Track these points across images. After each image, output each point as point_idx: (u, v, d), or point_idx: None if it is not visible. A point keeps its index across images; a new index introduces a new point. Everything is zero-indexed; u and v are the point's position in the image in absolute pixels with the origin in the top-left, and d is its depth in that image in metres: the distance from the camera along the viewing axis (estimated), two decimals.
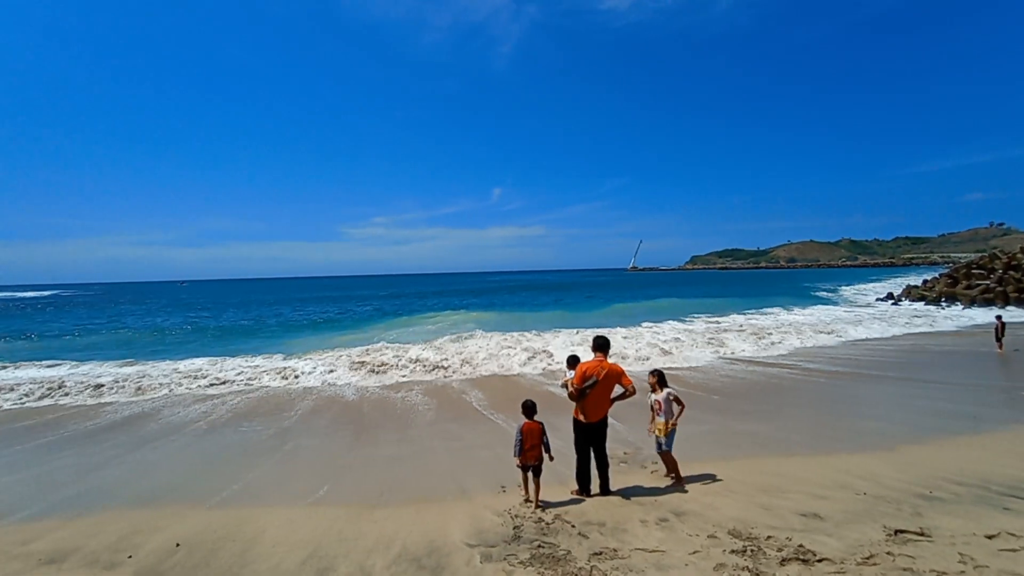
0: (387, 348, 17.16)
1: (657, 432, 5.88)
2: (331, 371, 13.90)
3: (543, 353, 15.63)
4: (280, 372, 13.77)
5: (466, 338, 19.65)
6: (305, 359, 15.50)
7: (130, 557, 4.54)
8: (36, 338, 26.85)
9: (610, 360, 5.63)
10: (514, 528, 4.80)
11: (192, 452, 7.95)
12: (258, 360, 15.86)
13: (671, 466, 5.91)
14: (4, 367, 15.45)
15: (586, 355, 6.19)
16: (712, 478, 5.95)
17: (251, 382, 13.04)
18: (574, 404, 5.56)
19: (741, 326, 22.08)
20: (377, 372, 13.74)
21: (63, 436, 9.01)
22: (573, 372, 5.78)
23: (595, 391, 5.38)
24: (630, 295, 51.07)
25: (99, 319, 39.17)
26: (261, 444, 8.24)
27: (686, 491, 5.60)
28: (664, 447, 5.86)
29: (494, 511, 5.23)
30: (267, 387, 12.53)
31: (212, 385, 12.77)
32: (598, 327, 20.86)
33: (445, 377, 13.34)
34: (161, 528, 5.10)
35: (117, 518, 5.42)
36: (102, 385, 12.55)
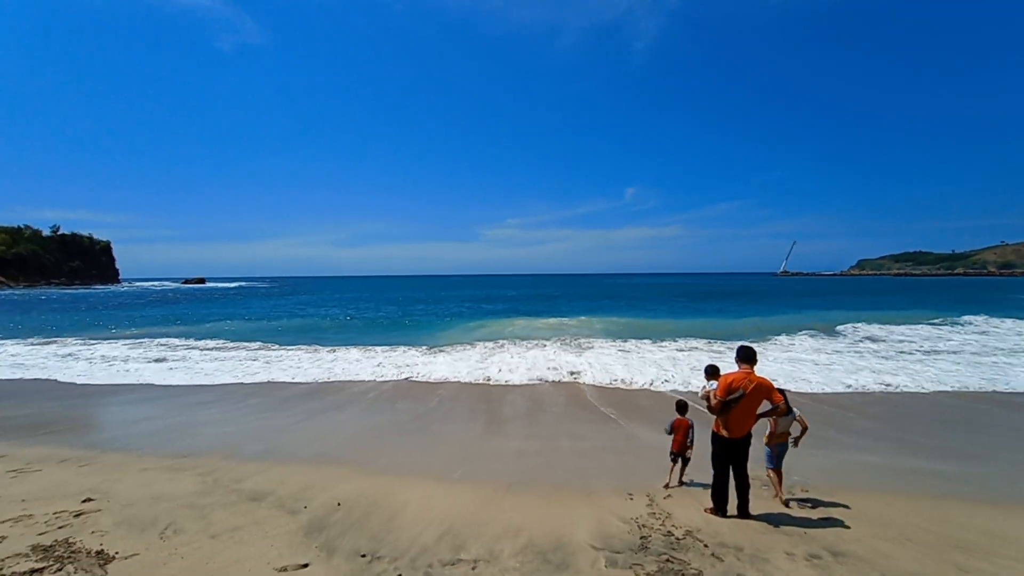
0: (517, 346, 17.82)
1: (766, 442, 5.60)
2: (465, 364, 14.87)
3: (669, 362, 14.83)
4: (425, 363, 15.15)
5: (591, 344, 19.48)
6: (445, 352, 16.82)
7: (305, 507, 5.40)
8: (246, 320, 33.37)
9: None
10: (641, 538, 4.65)
11: (353, 426, 9.18)
12: (409, 350, 17.67)
13: (774, 483, 5.60)
14: (230, 346, 19.43)
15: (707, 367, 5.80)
16: (880, 518, 5.08)
17: (401, 369, 14.54)
18: (714, 417, 5.19)
19: (922, 344, 18.43)
20: (507, 369, 14.31)
21: (263, 402, 11.07)
22: (713, 383, 5.40)
23: (740, 405, 4.95)
24: (776, 305, 45.75)
25: (283, 307, 47.18)
26: (407, 425, 9.17)
27: (847, 527, 4.87)
28: (768, 463, 5.62)
29: (620, 517, 5.12)
30: (414, 375, 13.85)
31: (373, 368, 14.55)
32: (736, 339, 19.13)
33: (573, 379, 13.39)
34: (327, 487, 5.97)
35: (297, 472, 6.49)
36: (290, 366, 15.10)
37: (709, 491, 5.32)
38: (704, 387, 5.66)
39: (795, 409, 5.52)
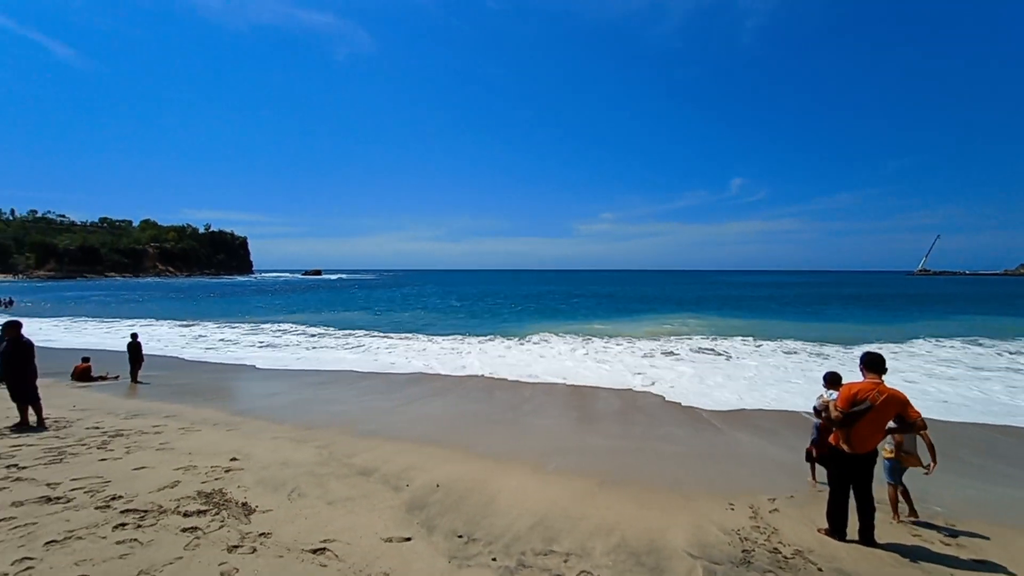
0: (610, 344, 17.49)
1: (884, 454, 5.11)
2: (558, 361, 14.92)
3: (775, 369, 13.60)
4: (519, 357, 15.48)
5: (689, 344, 18.52)
6: (538, 346, 17.02)
7: (407, 486, 5.81)
8: (356, 310, 36.48)
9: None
10: (743, 551, 4.37)
11: (451, 413, 9.67)
12: (504, 343, 18.16)
13: (891, 502, 5.11)
14: (341, 333, 21.41)
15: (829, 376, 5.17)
16: None
17: (496, 361, 14.99)
18: (832, 430, 4.69)
19: None
20: (600, 368, 14.11)
21: (370, 386, 12.07)
22: (833, 393, 4.88)
23: (867, 418, 4.38)
24: (913, 308, 39.83)
25: (389, 297, 50.78)
26: (501, 415, 9.45)
27: (1004, 571, 4.15)
28: (888, 477, 5.12)
29: (720, 527, 4.85)
30: (508, 368, 14.21)
31: (470, 359, 15.19)
32: (861, 345, 17.09)
33: (669, 384, 12.85)
34: (427, 469, 6.37)
35: (400, 452, 7.00)
36: (394, 353, 16.25)
37: (824, 509, 4.83)
38: (821, 396, 5.14)
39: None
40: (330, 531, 4.46)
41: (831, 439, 4.70)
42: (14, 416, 7.82)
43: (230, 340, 20.60)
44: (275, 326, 25.65)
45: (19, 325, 7.96)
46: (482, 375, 13.21)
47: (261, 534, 4.31)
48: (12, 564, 3.56)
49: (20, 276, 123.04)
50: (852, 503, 4.65)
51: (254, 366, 15.08)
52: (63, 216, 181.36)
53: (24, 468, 5.65)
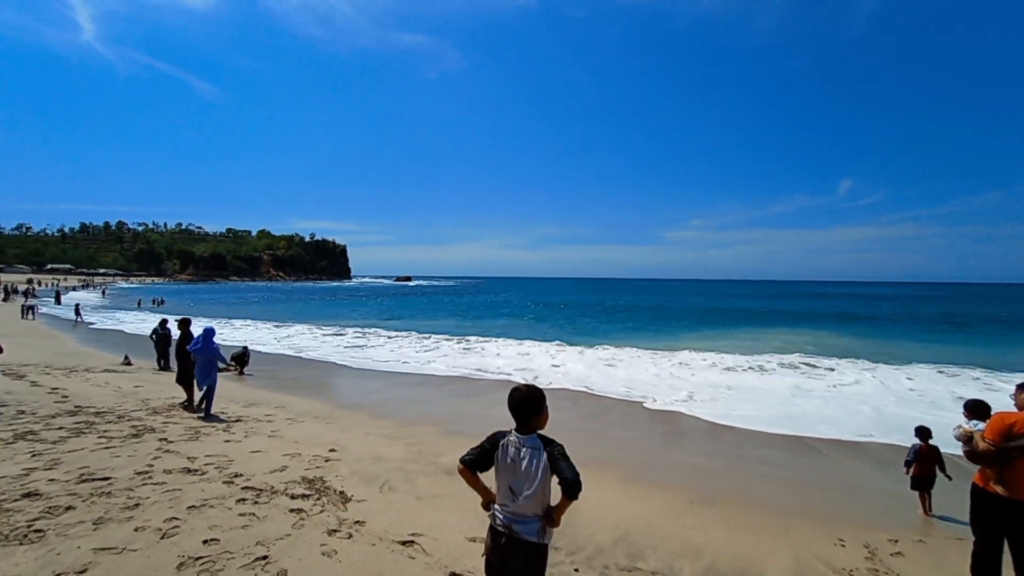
0: (697, 358, 16.59)
1: None
2: (645, 375, 14.42)
3: (904, 397, 12.03)
4: (605, 369, 15.21)
5: (787, 362, 17.02)
6: (623, 360, 16.60)
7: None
8: (443, 316, 38.05)
9: None
10: None
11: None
12: (589, 353, 17.95)
13: None
14: (430, 337, 22.44)
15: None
16: None
17: (583, 371, 14.85)
18: (977, 468, 3.93)
19: None
20: (686, 382, 13.43)
21: (457, 389, 12.51)
22: (978, 423, 4.21)
23: None
24: None
25: (472, 303, 52.34)
26: (584, 424, 9.34)
27: None
28: None
29: (828, 564, 4.39)
30: (593, 378, 14.01)
31: (554, 367, 15.20)
32: (1013, 373, 14.66)
33: (766, 405, 11.89)
34: None
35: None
36: (480, 357, 16.70)
37: (967, 562, 4.16)
38: (960, 427, 4.48)
39: None
40: (418, 525, 4.68)
41: (976, 479, 4.00)
42: (167, 395, 9.13)
43: (330, 340, 22.45)
44: (369, 329, 27.51)
45: (189, 322, 9.48)
46: (564, 387, 13.11)
47: (356, 521, 4.63)
48: (164, 521, 4.15)
49: (167, 279, 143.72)
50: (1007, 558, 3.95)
51: (350, 365, 16.28)
52: (200, 227, 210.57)
53: (171, 443, 6.56)
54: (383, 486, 5.72)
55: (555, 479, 2.41)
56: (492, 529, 2.57)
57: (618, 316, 40.55)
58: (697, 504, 5.71)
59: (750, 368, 15.40)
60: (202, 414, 8.41)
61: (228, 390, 11.18)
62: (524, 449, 2.47)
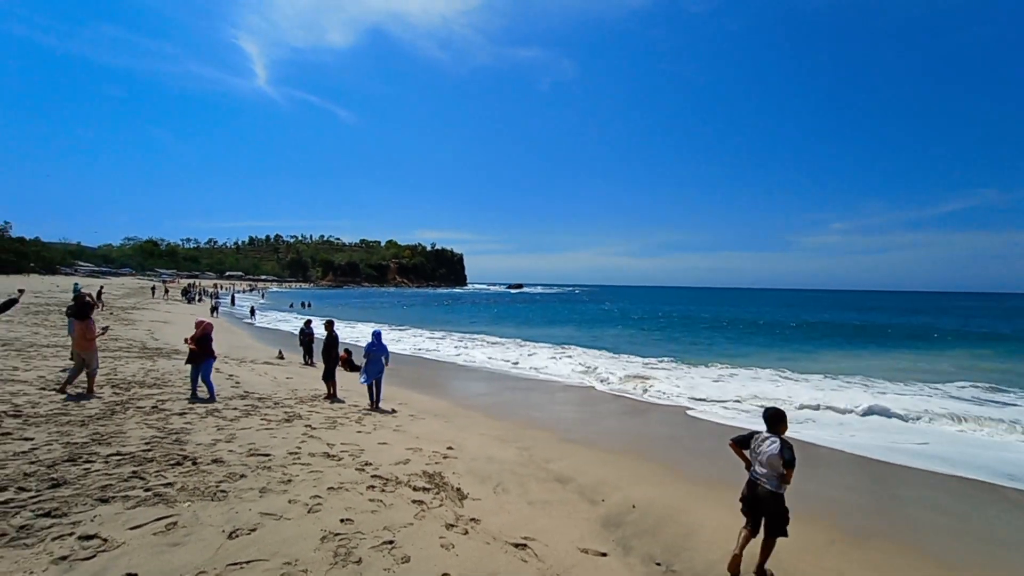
0: (847, 383, 14.59)
1: None
2: (774, 393, 13.08)
3: None
4: (720, 386, 14.08)
5: (978, 396, 14.22)
6: (755, 377, 15.22)
7: (603, 501, 5.80)
8: (559, 324, 38.25)
9: None
10: None
11: (648, 433, 9.34)
12: (712, 369, 16.82)
13: None
14: (546, 346, 22.69)
15: None
16: None
17: (698, 388, 13.94)
18: None
19: None
20: (829, 407, 11.87)
21: (569, 397, 12.49)
22: None
23: None
24: None
25: (591, 312, 51.76)
26: (700, 445, 8.72)
27: None
28: None
29: None
30: (713, 398, 13.08)
31: (670, 382, 14.49)
32: None
33: (937, 440, 10.06)
34: (621, 487, 6.24)
35: (594, 464, 7.03)
36: (594, 368, 16.49)
37: None
38: None
39: None
40: (530, 529, 4.74)
41: None
42: (311, 387, 10.42)
43: (447, 342, 23.83)
44: (482, 334, 28.66)
45: (333, 323, 10.81)
46: (681, 406, 12.37)
47: (472, 519, 4.82)
48: (311, 497, 4.73)
49: (312, 284, 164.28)
50: None
51: (467, 367, 17.10)
52: (338, 238, 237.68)
53: (315, 429, 7.46)
54: (496, 487, 5.89)
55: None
56: (750, 482, 4.30)
57: (745, 330, 37.26)
58: (843, 543, 5.01)
59: (912, 394, 13.16)
60: (340, 401, 9.44)
61: (360, 386, 12.39)
62: (768, 440, 4.26)
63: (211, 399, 8.44)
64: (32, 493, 4.19)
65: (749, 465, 4.35)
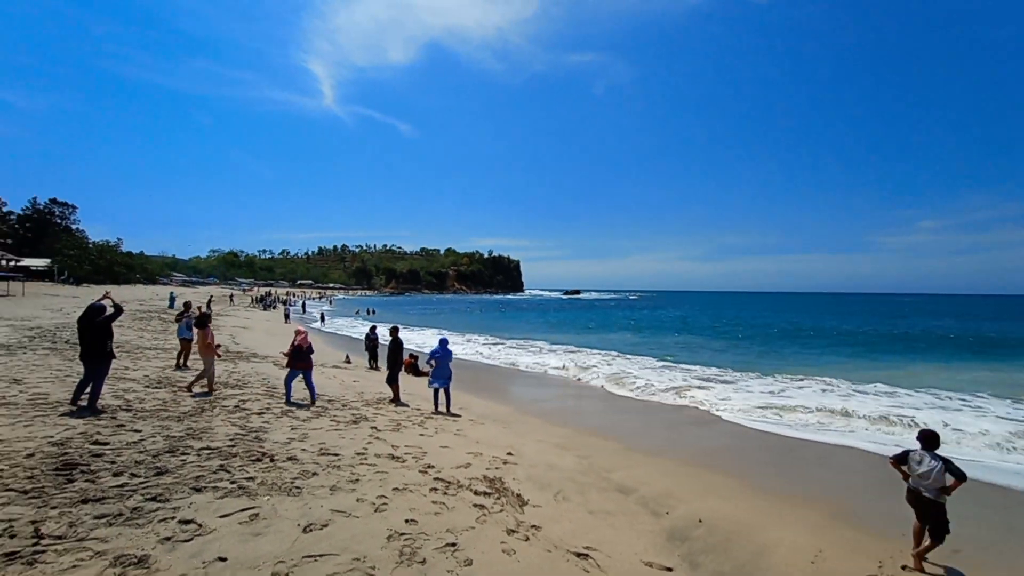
0: (956, 400, 13.24)
1: None
2: (860, 409, 12.10)
3: None
4: (802, 398, 13.23)
5: None
6: (843, 394, 14.19)
7: (667, 513, 5.61)
8: (615, 330, 37.48)
9: None
10: None
11: (714, 446, 8.93)
12: (782, 381, 15.87)
13: None
14: (598, 353, 22.35)
15: None
16: None
17: (770, 401, 13.17)
18: None
19: None
20: (932, 425, 10.80)
21: (625, 405, 12.20)
22: None
23: None
24: None
25: (652, 319, 50.40)
26: (771, 460, 8.22)
27: None
28: None
29: None
30: (788, 413, 12.34)
31: (740, 396, 13.80)
32: None
33: None
34: (687, 500, 6.00)
35: (656, 476, 6.81)
36: (654, 376, 16.04)
37: None
38: None
39: None
40: (592, 539, 4.66)
41: None
42: (376, 390, 10.85)
43: (504, 348, 24.03)
44: (540, 341, 28.64)
45: (397, 329, 11.26)
46: (748, 416, 11.75)
47: (532, 526, 4.82)
48: (377, 497, 4.92)
49: (375, 292, 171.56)
50: None
51: (524, 373, 17.15)
52: (399, 247, 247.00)
53: (380, 431, 7.77)
54: (557, 494, 5.86)
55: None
56: (912, 490, 4.72)
57: (823, 338, 34.74)
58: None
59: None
60: (404, 404, 9.77)
61: (424, 390, 12.76)
62: (927, 459, 4.64)
63: (311, 402, 9.09)
64: (142, 479, 4.67)
65: (907, 477, 4.84)
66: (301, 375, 9.26)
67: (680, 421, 10.68)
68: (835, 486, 6.97)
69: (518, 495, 5.61)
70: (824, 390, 14.11)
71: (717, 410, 11.69)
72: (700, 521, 5.39)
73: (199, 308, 11.46)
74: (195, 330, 9.66)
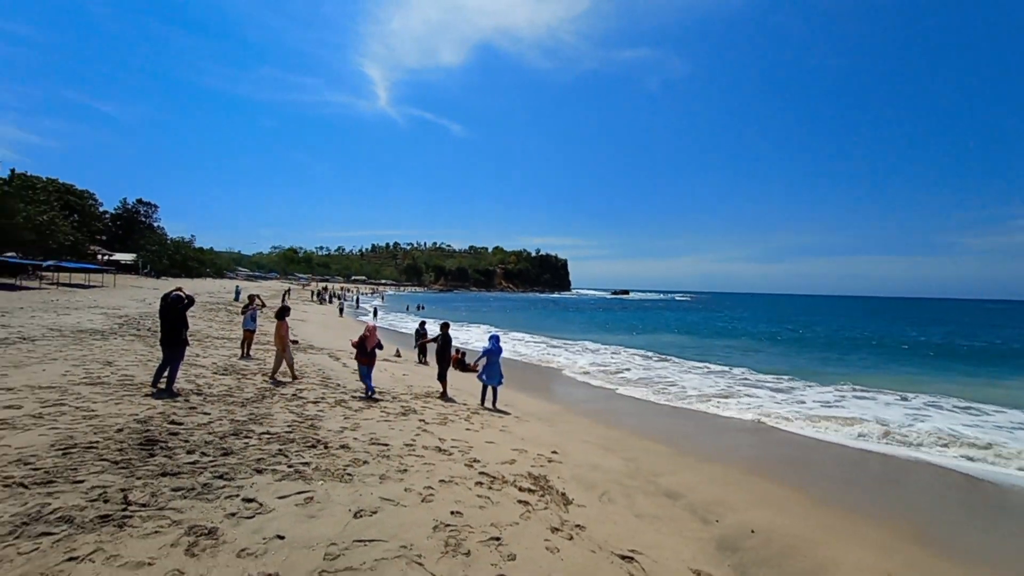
0: None
1: None
2: (940, 425, 11.18)
3: None
4: (886, 413, 12.40)
5: None
6: (942, 411, 13.23)
7: (717, 521, 5.41)
8: (666, 332, 36.54)
9: None
10: None
11: (769, 456, 8.52)
12: (858, 393, 14.97)
13: None
14: (656, 356, 21.87)
15: None
16: None
17: (839, 414, 12.44)
18: None
19: None
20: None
21: (675, 411, 11.87)
22: None
23: None
24: None
25: (703, 321, 48.73)
26: (835, 473, 7.75)
27: None
28: None
29: None
30: (856, 428, 11.59)
31: (800, 407, 13.12)
32: None
33: None
34: (738, 509, 5.77)
35: (704, 483, 6.58)
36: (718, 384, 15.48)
37: None
38: None
39: None
40: (638, 543, 4.57)
41: None
42: (424, 384, 11.14)
43: (550, 346, 23.95)
44: (588, 341, 28.34)
45: (448, 325, 11.49)
46: (799, 432, 11.10)
47: (577, 525, 4.78)
48: (424, 488, 5.05)
49: (425, 288, 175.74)
50: None
51: (569, 372, 17.03)
52: (448, 245, 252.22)
53: (428, 424, 7.96)
54: (602, 496, 5.78)
55: None
56: None
57: (898, 347, 32.31)
58: None
59: None
60: (452, 400, 9.97)
61: (471, 385, 12.96)
62: None
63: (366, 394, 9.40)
64: (211, 458, 5.03)
65: None
66: (362, 368, 9.54)
67: (731, 427, 10.28)
68: (907, 504, 6.49)
69: (562, 494, 5.58)
70: (890, 403, 13.14)
71: (771, 417, 11.15)
72: (752, 531, 5.17)
73: (284, 297, 12.01)
74: (277, 321, 10.29)
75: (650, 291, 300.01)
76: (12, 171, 47.49)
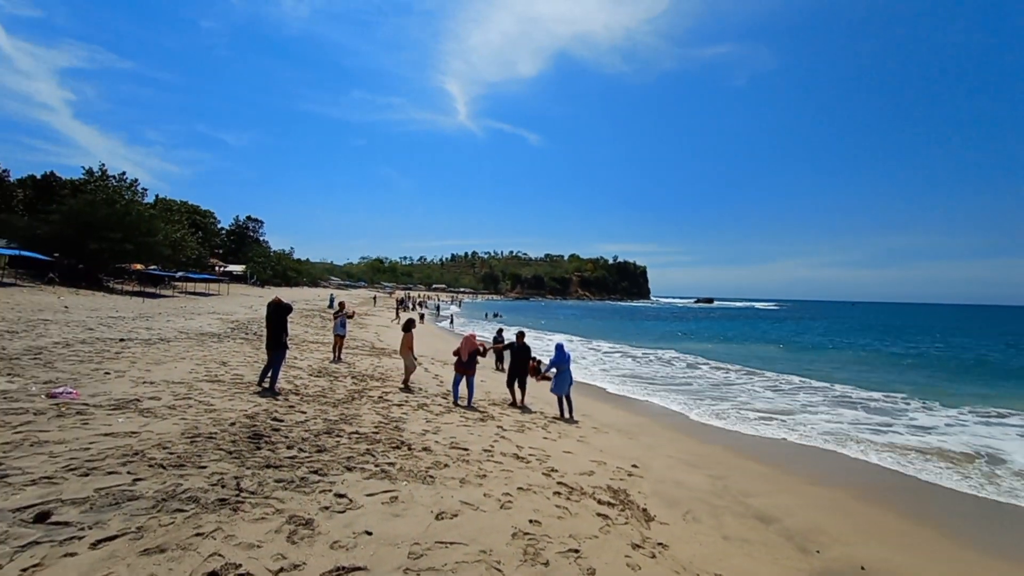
0: None
1: None
2: None
3: None
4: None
5: None
6: None
7: (818, 552, 4.91)
8: (758, 343, 34.14)
9: None
10: None
11: (882, 483, 7.63)
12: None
13: None
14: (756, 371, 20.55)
15: None
16: None
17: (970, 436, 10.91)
18: None
19: None
20: None
21: (771, 427, 11.00)
22: None
23: None
24: None
25: (802, 332, 44.93)
26: (970, 510, 6.75)
27: None
28: None
29: None
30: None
31: (905, 420, 11.70)
32: None
33: None
34: (845, 541, 5.20)
35: (803, 508, 6.01)
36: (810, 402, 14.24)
37: None
38: None
39: None
40: (726, 567, 4.28)
41: None
42: (501, 391, 11.29)
43: (631, 356, 23.25)
44: (672, 351, 27.18)
45: (523, 334, 11.53)
46: (923, 462, 9.80)
47: (659, 543, 4.58)
48: (502, 494, 5.09)
49: (502, 296, 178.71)
50: None
51: (651, 383, 16.40)
52: (525, 253, 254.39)
53: (506, 431, 8.04)
54: (686, 514, 5.49)
55: None
56: None
57: None
58: None
59: None
60: (528, 410, 10.00)
61: (547, 394, 12.92)
62: None
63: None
64: (307, 454, 5.45)
65: None
66: (463, 378, 9.77)
67: (836, 447, 9.28)
68: None
69: (644, 509, 5.37)
70: None
71: (882, 439, 9.95)
72: (863, 568, 4.63)
73: (401, 307, 12.60)
74: (403, 333, 10.86)
75: (737, 299, 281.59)
76: (156, 196, 55.78)
